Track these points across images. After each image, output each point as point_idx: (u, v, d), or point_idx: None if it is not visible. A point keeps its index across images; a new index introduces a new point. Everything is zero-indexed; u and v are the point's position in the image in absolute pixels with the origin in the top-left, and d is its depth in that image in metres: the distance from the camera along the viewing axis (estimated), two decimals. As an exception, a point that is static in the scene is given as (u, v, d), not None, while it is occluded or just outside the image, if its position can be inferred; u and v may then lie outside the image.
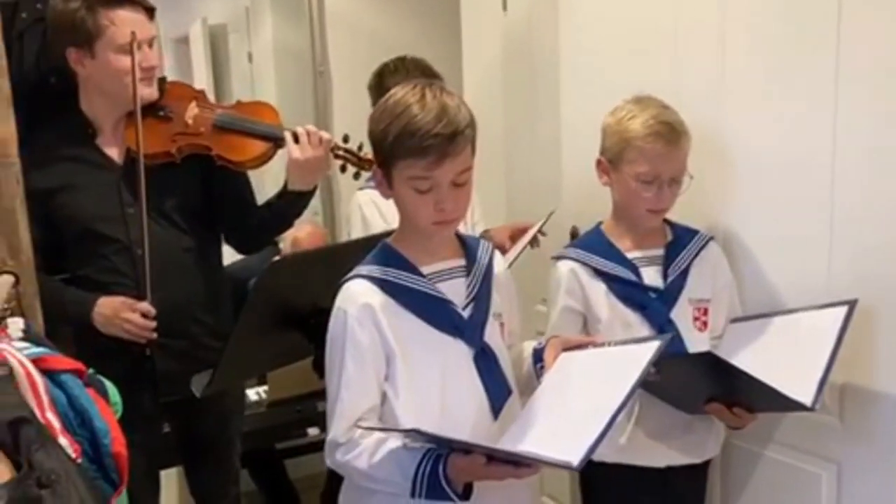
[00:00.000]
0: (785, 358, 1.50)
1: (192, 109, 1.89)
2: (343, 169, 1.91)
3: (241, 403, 2.14)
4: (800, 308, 1.56)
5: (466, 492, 1.25)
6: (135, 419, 1.79)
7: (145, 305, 1.76)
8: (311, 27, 3.33)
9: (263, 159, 1.89)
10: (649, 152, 1.55)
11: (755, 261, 1.69)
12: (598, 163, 1.64)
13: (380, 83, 2.11)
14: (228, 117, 1.89)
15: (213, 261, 1.99)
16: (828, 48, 1.48)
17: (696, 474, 1.69)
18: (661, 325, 1.58)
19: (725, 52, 1.70)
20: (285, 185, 1.88)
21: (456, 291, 1.37)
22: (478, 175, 2.52)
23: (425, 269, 1.36)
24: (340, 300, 1.33)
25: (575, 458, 1.12)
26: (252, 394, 2.68)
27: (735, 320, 1.67)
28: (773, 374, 1.39)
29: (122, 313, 1.76)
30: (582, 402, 1.26)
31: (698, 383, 1.52)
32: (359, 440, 1.30)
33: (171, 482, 2.30)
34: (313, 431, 2.56)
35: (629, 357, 1.30)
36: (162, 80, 1.91)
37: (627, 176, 1.58)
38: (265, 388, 2.66)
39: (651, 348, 1.27)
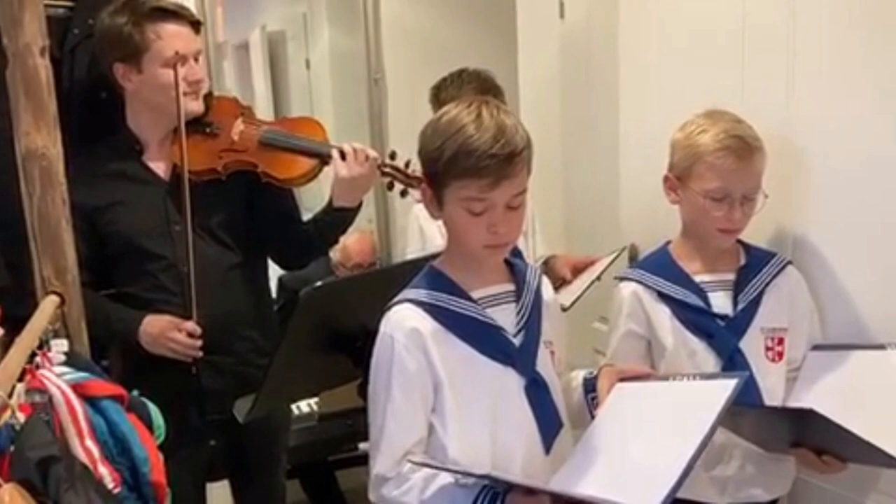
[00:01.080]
0: (881, 404, 1.36)
1: (238, 126, 1.87)
2: (390, 186, 1.86)
3: (288, 420, 2.11)
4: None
5: None
6: (182, 435, 1.76)
7: (191, 325, 1.74)
8: (366, 34, 3.30)
9: (309, 176, 1.85)
10: (720, 167, 1.44)
11: (837, 285, 1.55)
12: (666, 179, 1.54)
13: (436, 96, 2.07)
14: (274, 134, 1.86)
15: (258, 277, 1.96)
16: None
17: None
18: (729, 355, 1.47)
19: (795, 58, 1.58)
20: (330, 201, 1.85)
21: (506, 318, 1.30)
22: (535, 189, 2.45)
23: (475, 294, 1.29)
24: (387, 325, 1.27)
25: None
26: (304, 405, 2.65)
27: (816, 347, 1.54)
28: (868, 422, 1.25)
29: (169, 332, 1.74)
30: (652, 445, 1.17)
31: (787, 431, 1.40)
32: (408, 475, 1.24)
33: (218, 497, 2.28)
34: (364, 446, 2.51)
35: (702, 396, 1.20)
36: (208, 96, 1.89)
37: (696, 193, 1.48)
38: (316, 400, 2.63)
39: (727, 387, 1.17)
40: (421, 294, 1.28)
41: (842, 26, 1.49)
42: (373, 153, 1.80)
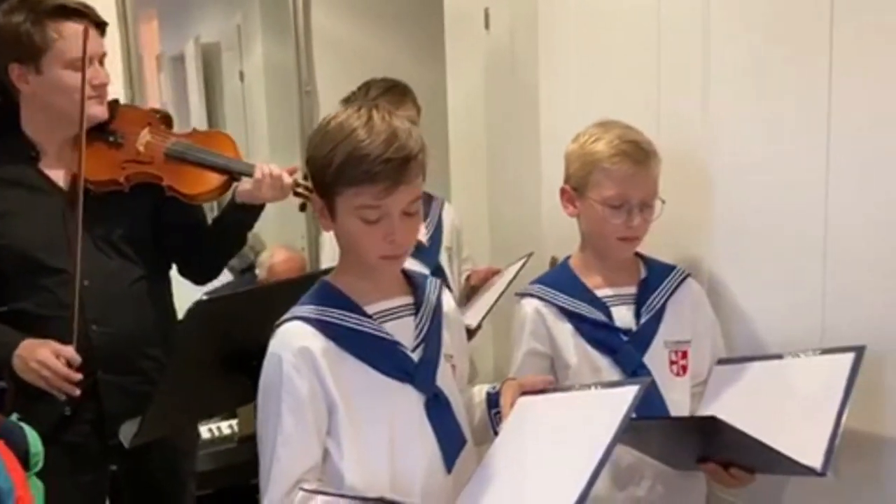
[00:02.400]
0: (784, 412, 1.35)
1: (145, 136, 1.79)
2: (303, 208, 1.80)
3: (194, 443, 2.01)
4: (799, 352, 1.40)
5: None
6: (80, 459, 1.71)
7: (70, 351, 1.60)
8: (296, 47, 3.25)
9: (217, 193, 1.79)
10: (616, 174, 1.43)
11: (740, 298, 1.55)
12: (563, 192, 1.52)
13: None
14: (182, 147, 1.78)
15: (163, 292, 1.88)
16: (818, 71, 1.35)
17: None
18: (633, 370, 1.45)
19: (710, 73, 1.58)
20: (232, 198, 1.78)
21: (404, 332, 1.25)
22: (461, 200, 2.43)
23: (370, 309, 1.24)
24: (275, 345, 1.21)
25: None
26: (224, 427, 2.57)
27: (721, 361, 1.53)
28: (773, 430, 1.24)
29: (42, 356, 1.59)
30: (554, 459, 1.14)
31: (692, 444, 1.37)
32: None
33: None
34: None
35: (604, 404, 1.17)
36: (114, 103, 1.81)
37: (594, 202, 1.46)
38: (236, 420, 2.54)
39: (629, 394, 1.14)
40: (311, 310, 1.22)
41: (756, 40, 1.49)
42: (289, 180, 1.73)
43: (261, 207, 1.81)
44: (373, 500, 1.13)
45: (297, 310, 1.24)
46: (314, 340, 1.20)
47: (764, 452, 1.21)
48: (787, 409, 1.34)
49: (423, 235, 2.03)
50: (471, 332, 1.93)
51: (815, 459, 1.22)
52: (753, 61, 1.49)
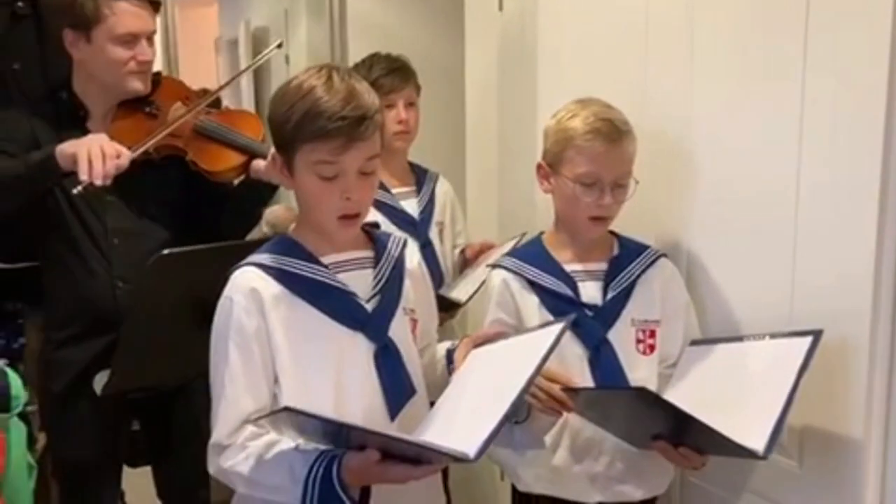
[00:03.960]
0: (739, 393, 1.34)
1: (177, 110, 1.86)
2: None
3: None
4: (760, 335, 1.38)
5: (363, 499, 1.15)
6: (102, 416, 1.78)
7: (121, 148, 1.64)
8: (331, 28, 3.31)
9: (237, 172, 1.85)
10: (589, 151, 1.42)
11: (718, 279, 1.53)
12: (539, 168, 1.52)
13: None
14: (210, 124, 1.85)
15: None
16: (794, 55, 1.33)
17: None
18: (596, 345, 1.44)
19: (693, 54, 1.55)
20: (248, 173, 1.83)
21: (360, 283, 1.28)
22: (472, 177, 2.42)
23: (326, 259, 1.28)
24: (227, 288, 1.26)
25: (471, 450, 1.03)
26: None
27: (695, 342, 1.51)
28: (724, 412, 1.23)
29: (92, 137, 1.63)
30: (481, 393, 1.17)
31: (639, 419, 1.37)
32: (245, 443, 1.21)
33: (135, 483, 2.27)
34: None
35: (531, 344, 1.20)
36: (157, 75, 1.89)
37: (567, 179, 1.45)
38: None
39: (552, 333, 1.18)
40: (265, 258, 1.27)
41: (738, 23, 1.46)
42: None
43: (275, 185, 1.85)
44: (277, 411, 1.13)
45: (252, 257, 1.28)
46: (265, 284, 1.24)
47: (705, 432, 1.20)
48: (742, 391, 1.32)
49: (414, 210, 2.04)
50: (458, 307, 1.94)
51: (759, 443, 1.19)
52: (734, 43, 1.47)
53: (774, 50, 1.38)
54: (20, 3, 1.91)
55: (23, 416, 2.07)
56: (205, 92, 1.96)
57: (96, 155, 1.57)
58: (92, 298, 1.76)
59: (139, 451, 2.01)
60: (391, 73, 2.02)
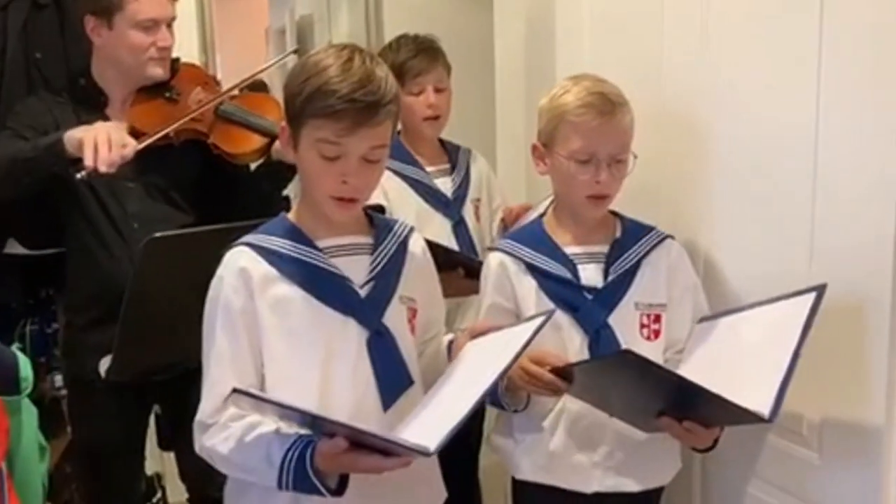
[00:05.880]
0: (744, 361, 1.28)
1: (198, 94, 1.88)
2: None
3: None
4: (765, 301, 1.31)
5: (341, 487, 1.13)
6: (124, 397, 1.81)
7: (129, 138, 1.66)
8: (366, 12, 3.29)
9: (259, 154, 1.86)
10: (582, 126, 1.36)
11: (734, 252, 1.46)
12: (534, 148, 1.46)
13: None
14: (231, 107, 1.86)
15: None
16: (809, 26, 1.25)
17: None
18: (596, 329, 1.38)
19: (708, 27, 1.48)
20: (269, 154, 1.83)
21: (356, 268, 1.26)
22: (504, 148, 2.39)
23: (322, 243, 1.26)
24: (220, 268, 1.25)
25: (431, 443, 1.02)
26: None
27: (703, 319, 1.44)
28: (730, 380, 1.17)
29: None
30: (458, 388, 1.16)
31: (637, 393, 1.31)
32: (227, 423, 1.20)
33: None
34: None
35: (512, 338, 1.18)
36: (175, 61, 1.91)
37: (562, 157, 1.39)
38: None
39: (531, 327, 1.16)
40: (259, 238, 1.26)
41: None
42: None
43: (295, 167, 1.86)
44: (301, 411, 1.12)
45: (247, 237, 1.27)
46: (255, 264, 1.23)
47: (706, 398, 1.15)
48: (747, 358, 1.26)
49: (448, 189, 2.00)
50: None
51: (764, 406, 1.13)
52: (750, 17, 1.40)
53: (790, 20, 1.31)
54: None
55: (56, 401, 2.16)
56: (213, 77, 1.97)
57: (102, 141, 1.58)
58: (113, 282, 1.77)
59: (159, 433, 2.07)
60: (418, 54, 1.97)
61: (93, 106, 1.83)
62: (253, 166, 1.96)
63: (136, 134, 1.78)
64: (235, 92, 1.95)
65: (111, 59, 1.81)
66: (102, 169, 1.58)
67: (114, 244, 1.79)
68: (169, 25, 1.82)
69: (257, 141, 1.83)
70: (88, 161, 1.57)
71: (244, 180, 1.92)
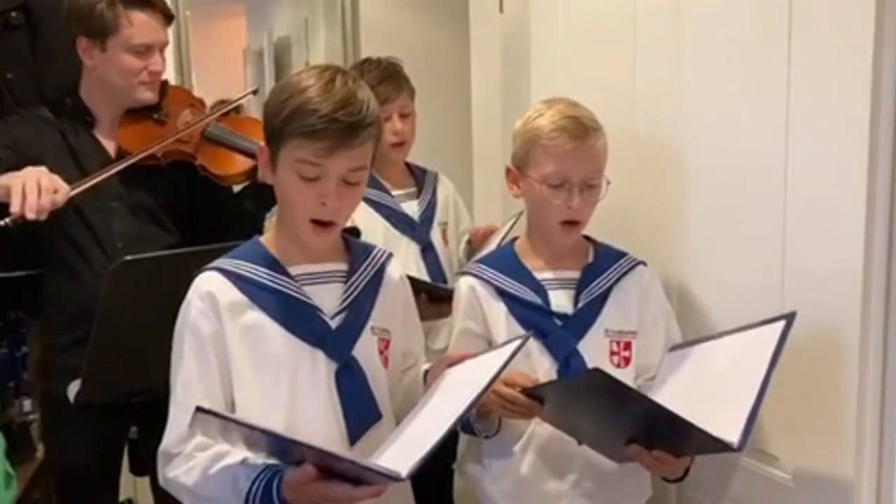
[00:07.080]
0: (714, 390, 1.27)
1: (186, 116, 1.88)
2: None
3: None
4: (736, 329, 1.31)
5: None
6: (101, 419, 1.75)
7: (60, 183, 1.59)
8: (343, 34, 3.31)
9: (246, 176, 1.86)
10: (555, 150, 1.35)
11: (707, 280, 1.47)
12: (508, 172, 1.46)
13: None
14: (218, 130, 1.87)
15: None
16: (779, 54, 1.28)
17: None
18: (566, 356, 1.37)
19: (680, 54, 1.50)
20: (255, 177, 1.82)
21: (328, 298, 1.24)
22: (481, 172, 2.39)
23: (296, 269, 1.24)
24: (189, 292, 1.23)
25: (403, 469, 1.00)
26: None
27: (674, 348, 1.43)
28: (700, 410, 1.16)
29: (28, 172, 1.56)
30: (432, 415, 1.14)
31: (607, 419, 1.29)
32: (193, 453, 1.17)
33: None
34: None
35: (486, 364, 1.16)
36: (164, 83, 1.91)
37: (535, 181, 1.39)
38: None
39: (504, 354, 1.14)
40: (228, 262, 1.24)
41: (724, 21, 1.41)
42: None
43: None
44: (268, 432, 1.08)
45: (218, 262, 1.25)
46: (224, 290, 1.21)
47: (675, 425, 1.14)
48: (717, 387, 1.25)
49: (414, 212, 2.00)
50: None
51: (733, 434, 1.12)
52: (722, 42, 1.42)
53: (761, 48, 1.33)
54: (13, 14, 1.94)
55: (24, 426, 2.11)
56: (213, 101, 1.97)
57: (31, 188, 1.54)
58: (96, 303, 1.71)
59: (141, 459, 2.02)
60: (383, 81, 1.95)
61: (80, 125, 1.83)
62: (239, 188, 1.96)
63: (122, 155, 1.78)
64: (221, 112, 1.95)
65: (101, 80, 1.81)
66: (30, 216, 1.53)
67: (98, 263, 1.76)
68: (161, 50, 1.82)
69: (244, 163, 1.84)
70: (15, 208, 1.53)
71: (230, 202, 1.92)
